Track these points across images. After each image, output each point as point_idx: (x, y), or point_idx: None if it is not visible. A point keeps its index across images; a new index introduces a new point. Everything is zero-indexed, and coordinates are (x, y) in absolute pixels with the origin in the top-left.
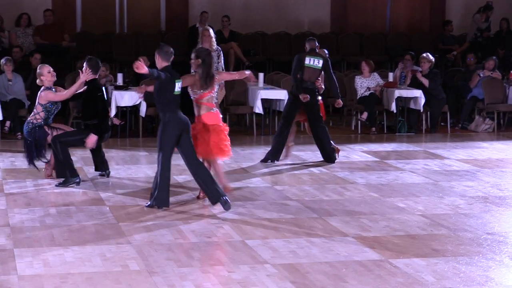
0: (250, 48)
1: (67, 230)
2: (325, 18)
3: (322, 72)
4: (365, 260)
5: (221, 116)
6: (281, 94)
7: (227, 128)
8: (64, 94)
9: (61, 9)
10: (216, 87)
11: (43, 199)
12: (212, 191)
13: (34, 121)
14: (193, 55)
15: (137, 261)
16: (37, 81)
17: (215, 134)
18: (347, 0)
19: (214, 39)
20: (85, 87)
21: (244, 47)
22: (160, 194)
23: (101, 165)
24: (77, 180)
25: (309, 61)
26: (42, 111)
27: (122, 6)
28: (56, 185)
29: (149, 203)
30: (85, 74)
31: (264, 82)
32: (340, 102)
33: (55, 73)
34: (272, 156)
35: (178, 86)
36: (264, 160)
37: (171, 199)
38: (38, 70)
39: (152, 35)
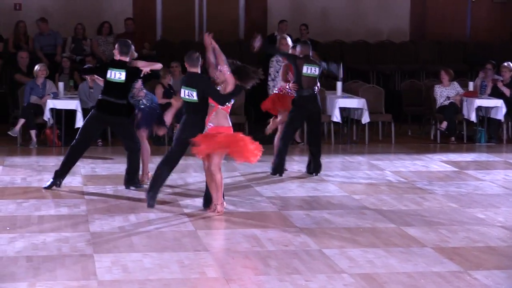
0: (328, 57)
1: (145, 237)
2: (404, 27)
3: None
4: (444, 271)
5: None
6: (360, 103)
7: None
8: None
9: (142, 18)
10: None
11: (123, 205)
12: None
13: None
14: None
15: (214, 269)
16: None
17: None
18: (426, 8)
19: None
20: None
21: (322, 55)
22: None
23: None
24: (58, 182)
25: (307, 69)
26: None
27: (201, 15)
28: (43, 188)
29: None
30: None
31: (343, 90)
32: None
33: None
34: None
35: None
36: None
37: (248, 209)
38: None
39: (230, 43)
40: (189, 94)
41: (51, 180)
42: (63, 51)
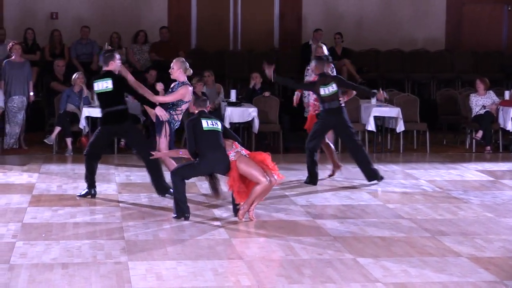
0: (363, 65)
1: (180, 245)
2: (439, 36)
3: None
4: (479, 281)
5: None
6: (394, 112)
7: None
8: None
9: (177, 27)
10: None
11: (157, 213)
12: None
13: None
14: None
15: (248, 277)
16: None
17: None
18: (462, 17)
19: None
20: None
21: (357, 64)
22: None
23: (160, 188)
24: (92, 192)
25: (324, 91)
26: None
27: (236, 24)
28: (77, 196)
29: None
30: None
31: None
32: (381, 94)
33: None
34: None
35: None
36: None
37: (282, 218)
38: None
39: (265, 52)
40: (213, 124)
41: (86, 190)
42: (98, 60)
